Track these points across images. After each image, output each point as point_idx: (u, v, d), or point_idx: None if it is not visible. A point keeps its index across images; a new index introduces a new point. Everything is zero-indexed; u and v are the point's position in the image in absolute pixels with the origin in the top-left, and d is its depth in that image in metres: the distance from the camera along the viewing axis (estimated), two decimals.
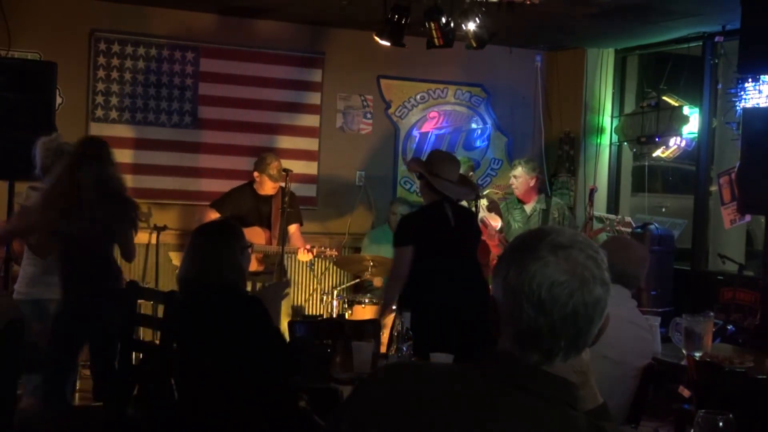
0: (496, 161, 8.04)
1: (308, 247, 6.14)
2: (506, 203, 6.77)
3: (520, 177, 6.49)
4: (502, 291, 1.44)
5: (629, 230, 6.76)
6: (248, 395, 3.24)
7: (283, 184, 6.09)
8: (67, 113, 6.43)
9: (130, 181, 6.74)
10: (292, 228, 6.20)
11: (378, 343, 3.93)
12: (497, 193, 7.01)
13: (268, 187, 6.13)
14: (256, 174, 6.14)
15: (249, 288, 5.90)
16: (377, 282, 6.61)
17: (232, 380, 3.22)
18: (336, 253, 6.42)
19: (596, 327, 1.44)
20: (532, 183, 6.50)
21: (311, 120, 7.38)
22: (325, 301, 6.82)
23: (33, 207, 4.39)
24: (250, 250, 3.58)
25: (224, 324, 3.26)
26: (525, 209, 6.57)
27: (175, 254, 6.59)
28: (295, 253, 6.19)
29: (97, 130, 6.72)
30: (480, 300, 4.54)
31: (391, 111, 7.69)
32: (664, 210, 8.23)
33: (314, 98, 7.38)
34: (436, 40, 5.66)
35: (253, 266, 6.08)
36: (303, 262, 6.88)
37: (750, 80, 6.20)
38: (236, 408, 3.22)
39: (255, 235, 6.09)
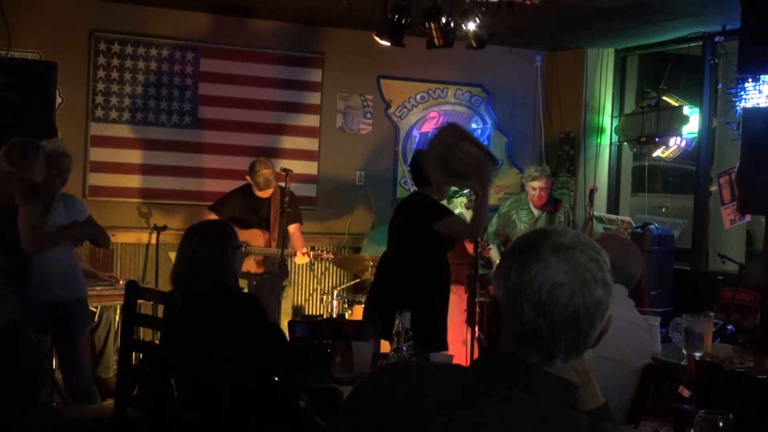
0: (496, 161, 8.04)
1: (304, 250, 6.12)
2: (513, 201, 6.75)
3: (545, 188, 6.48)
4: (503, 291, 1.44)
5: (629, 230, 6.77)
6: (248, 395, 3.24)
7: (282, 184, 6.09)
8: (67, 113, 6.44)
9: (130, 180, 6.81)
10: (292, 228, 6.19)
11: (378, 343, 3.93)
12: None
13: (260, 193, 6.12)
14: (248, 178, 6.13)
15: (246, 288, 5.92)
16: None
17: (230, 379, 3.22)
18: (333, 257, 6.41)
19: (597, 329, 1.44)
20: (550, 188, 6.57)
21: (311, 120, 7.38)
22: (325, 301, 6.82)
23: None
24: (243, 249, 3.58)
25: (219, 322, 3.26)
26: (533, 210, 6.56)
27: (175, 254, 6.58)
28: (293, 255, 6.18)
29: (97, 130, 6.73)
30: (401, 289, 4.61)
31: (391, 111, 7.69)
32: (664, 210, 8.23)
33: (314, 98, 7.38)
34: (436, 40, 5.66)
35: (253, 268, 6.08)
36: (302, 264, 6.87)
37: (750, 80, 6.20)
38: (236, 408, 3.22)
39: (254, 237, 6.08)
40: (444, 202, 6.24)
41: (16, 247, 4.37)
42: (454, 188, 6.26)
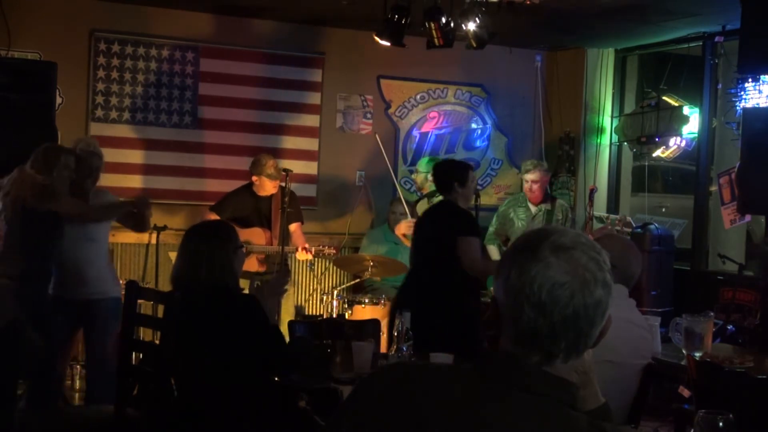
0: (496, 161, 8.04)
1: (306, 246, 6.14)
2: (511, 200, 6.77)
3: (539, 181, 6.47)
4: (503, 291, 1.44)
5: (629, 230, 6.76)
6: (248, 395, 3.24)
7: (283, 184, 6.10)
8: (67, 113, 6.43)
9: (130, 180, 6.80)
10: (293, 226, 6.21)
11: (378, 343, 3.93)
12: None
13: (269, 187, 6.11)
14: (254, 178, 6.12)
15: (247, 289, 5.92)
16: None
17: (230, 380, 3.22)
18: (335, 252, 6.42)
19: (597, 329, 1.44)
20: (547, 185, 6.58)
21: (311, 120, 7.38)
22: (325, 301, 6.81)
23: None
24: (244, 249, 3.59)
25: (219, 323, 3.26)
26: (530, 208, 6.56)
27: (175, 254, 6.57)
28: (294, 252, 6.20)
29: (97, 130, 6.72)
30: (424, 301, 4.62)
31: (391, 111, 7.69)
32: (664, 210, 8.23)
33: (314, 98, 7.38)
34: (436, 40, 5.66)
35: (255, 267, 6.09)
36: (303, 262, 6.88)
37: (750, 80, 6.20)
38: (236, 408, 3.22)
39: (256, 235, 6.09)
40: (425, 200, 6.32)
41: (37, 250, 4.48)
42: (434, 187, 6.29)
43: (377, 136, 7.36)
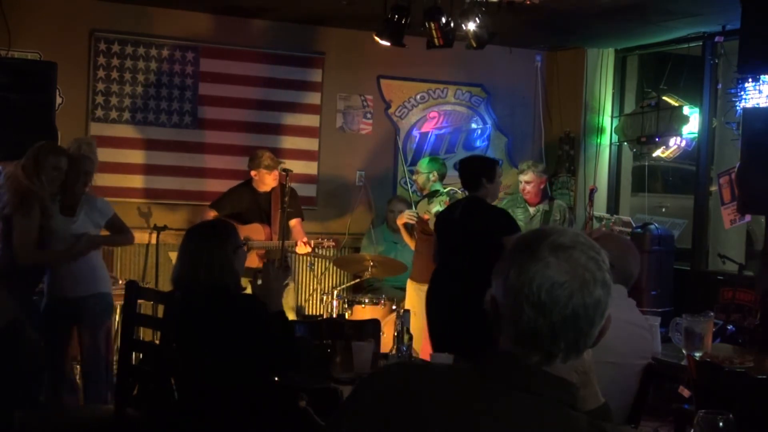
0: None
1: (305, 240, 6.17)
2: (510, 200, 6.77)
3: (532, 182, 6.47)
4: (502, 291, 1.44)
5: (629, 230, 6.76)
6: (248, 395, 3.24)
7: (283, 183, 6.11)
8: (67, 113, 6.43)
9: (130, 180, 6.81)
10: (294, 222, 6.25)
11: (378, 343, 3.93)
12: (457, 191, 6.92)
13: (268, 180, 6.14)
14: (253, 173, 6.16)
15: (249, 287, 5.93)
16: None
17: (230, 380, 3.22)
18: (333, 244, 6.46)
19: (597, 328, 1.44)
20: (543, 186, 6.57)
21: (311, 120, 7.38)
22: (325, 301, 6.82)
23: None
24: (245, 248, 3.59)
25: (219, 323, 3.26)
26: (528, 209, 6.57)
27: (175, 254, 6.57)
28: (294, 246, 6.22)
29: (97, 130, 6.72)
30: (452, 296, 4.62)
31: (391, 111, 7.69)
32: (664, 210, 8.23)
33: (314, 98, 7.38)
34: (436, 40, 5.67)
35: (255, 263, 6.10)
36: (303, 260, 6.90)
37: (750, 80, 6.19)
38: (236, 408, 3.22)
39: (255, 231, 6.11)
40: (425, 200, 6.33)
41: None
42: (435, 187, 6.30)
43: (398, 139, 7.38)
